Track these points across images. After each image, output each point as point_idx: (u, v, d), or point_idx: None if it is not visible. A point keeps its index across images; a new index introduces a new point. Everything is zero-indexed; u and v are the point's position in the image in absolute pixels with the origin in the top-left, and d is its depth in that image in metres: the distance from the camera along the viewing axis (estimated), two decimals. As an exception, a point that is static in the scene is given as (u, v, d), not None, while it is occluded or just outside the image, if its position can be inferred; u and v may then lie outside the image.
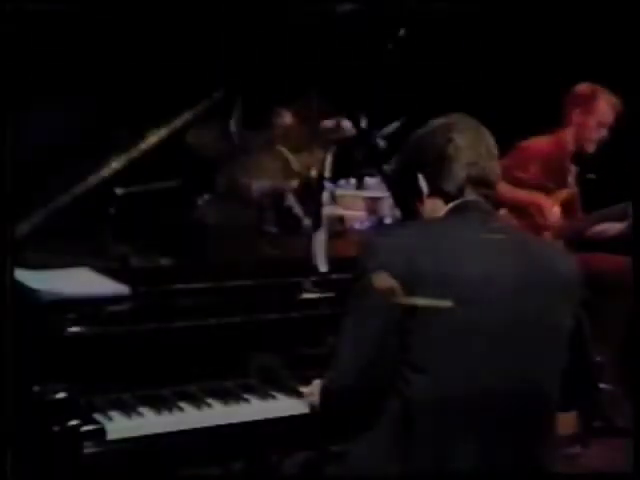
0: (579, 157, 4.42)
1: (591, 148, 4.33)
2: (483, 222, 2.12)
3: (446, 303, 1.95)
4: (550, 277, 2.08)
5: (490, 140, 2.20)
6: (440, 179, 2.15)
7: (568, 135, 4.34)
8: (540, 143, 4.37)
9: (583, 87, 4.38)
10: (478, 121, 2.22)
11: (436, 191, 2.17)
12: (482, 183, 2.15)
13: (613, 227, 4.29)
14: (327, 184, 2.94)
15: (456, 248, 2.03)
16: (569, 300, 2.12)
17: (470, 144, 2.14)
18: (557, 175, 4.36)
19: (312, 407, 2.31)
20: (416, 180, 2.19)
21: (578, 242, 4.36)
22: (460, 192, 2.14)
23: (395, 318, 1.98)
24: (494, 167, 2.18)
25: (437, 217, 2.16)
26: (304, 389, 2.36)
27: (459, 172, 2.13)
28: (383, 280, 1.96)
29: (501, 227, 2.18)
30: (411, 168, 2.22)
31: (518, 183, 4.22)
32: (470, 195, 2.14)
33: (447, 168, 2.13)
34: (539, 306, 2.05)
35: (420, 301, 1.94)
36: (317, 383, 2.29)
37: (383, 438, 2.02)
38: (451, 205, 2.14)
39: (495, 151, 2.19)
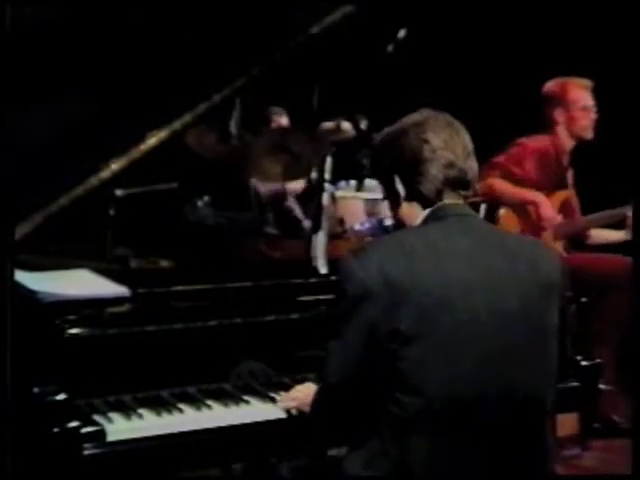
0: (583, 146, 4.40)
1: (589, 135, 4.33)
2: (462, 226, 2.07)
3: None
4: (533, 275, 2.04)
5: (466, 137, 2.12)
6: (417, 182, 2.08)
7: (561, 133, 4.34)
8: (537, 140, 4.37)
9: (551, 86, 4.38)
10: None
11: (413, 194, 2.11)
12: (460, 184, 2.09)
13: (613, 235, 4.31)
14: (327, 185, 2.93)
15: (435, 257, 1.97)
16: (554, 296, 2.07)
17: (446, 144, 2.07)
18: (554, 173, 4.36)
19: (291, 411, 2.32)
20: (393, 182, 2.14)
21: (577, 242, 4.38)
22: (438, 195, 2.08)
23: (379, 339, 1.95)
24: (471, 166, 2.11)
25: (414, 226, 2.11)
26: (281, 395, 2.37)
27: (437, 175, 2.07)
28: None
29: (480, 229, 2.12)
30: (386, 170, 2.16)
31: (514, 180, 4.23)
32: (448, 198, 2.09)
33: (424, 171, 2.07)
34: (525, 307, 2.01)
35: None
36: (308, 386, 2.31)
37: (377, 446, 2.00)
38: (428, 211, 2.09)
39: (471, 148, 2.12)
